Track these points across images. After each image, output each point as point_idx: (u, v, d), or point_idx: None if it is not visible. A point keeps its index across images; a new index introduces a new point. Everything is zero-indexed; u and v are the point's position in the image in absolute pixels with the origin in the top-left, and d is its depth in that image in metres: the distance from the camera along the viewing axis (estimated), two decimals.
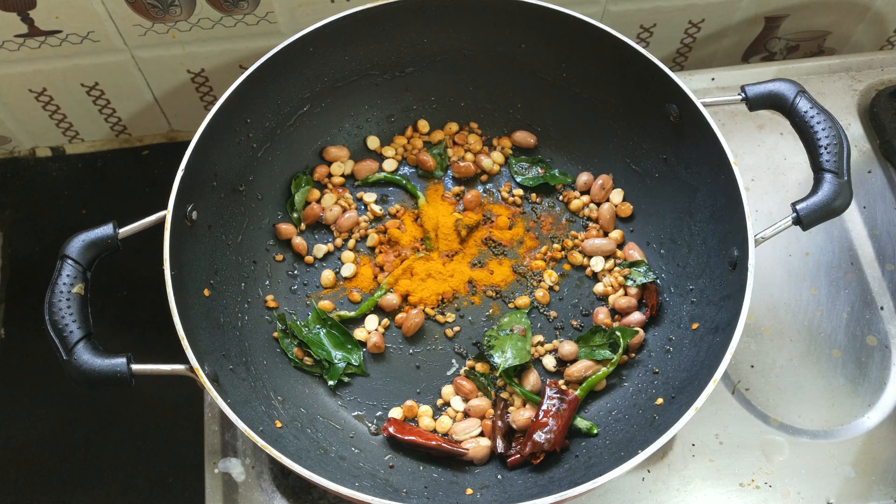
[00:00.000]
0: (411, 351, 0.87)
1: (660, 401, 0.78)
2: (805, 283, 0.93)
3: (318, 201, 0.94)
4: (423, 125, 0.98)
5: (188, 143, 0.78)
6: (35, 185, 1.09)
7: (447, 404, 0.84)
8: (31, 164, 1.10)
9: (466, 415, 0.84)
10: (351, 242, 0.92)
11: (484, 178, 0.96)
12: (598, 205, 0.94)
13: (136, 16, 0.91)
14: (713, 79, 1.03)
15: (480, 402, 0.83)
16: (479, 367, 0.85)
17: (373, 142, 0.97)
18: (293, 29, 0.89)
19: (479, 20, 0.90)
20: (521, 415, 0.81)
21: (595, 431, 0.80)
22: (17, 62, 0.94)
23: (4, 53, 0.93)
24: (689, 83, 0.86)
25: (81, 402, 0.98)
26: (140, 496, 0.94)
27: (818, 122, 0.77)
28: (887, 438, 0.85)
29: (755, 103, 0.81)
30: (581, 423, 0.81)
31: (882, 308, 0.91)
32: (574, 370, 0.84)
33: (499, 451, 0.79)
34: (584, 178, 0.94)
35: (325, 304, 0.89)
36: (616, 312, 0.88)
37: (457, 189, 0.95)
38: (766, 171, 0.99)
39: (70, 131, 1.08)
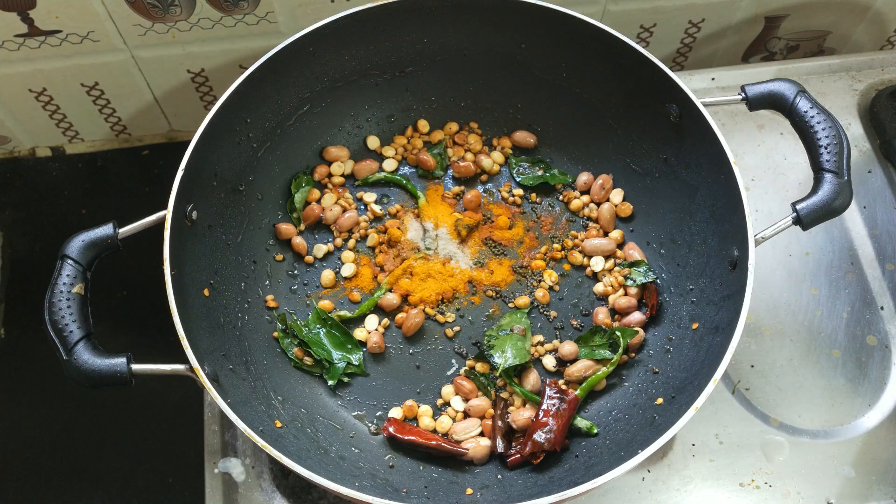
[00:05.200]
0: (411, 351, 0.87)
1: (660, 401, 0.78)
2: (805, 283, 0.93)
3: (318, 201, 0.94)
4: (423, 125, 0.98)
5: (188, 143, 0.78)
6: (35, 185, 1.09)
7: (447, 404, 0.84)
8: (31, 164, 1.10)
9: (466, 415, 0.83)
10: (351, 242, 0.92)
11: (484, 178, 0.96)
12: (598, 205, 0.94)
13: (136, 16, 0.91)
14: (713, 79, 1.03)
15: (480, 402, 0.83)
16: (479, 366, 0.85)
17: (373, 142, 0.97)
18: (293, 29, 0.89)
19: (479, 20, 0.90)
20: (521, 415, 0.81)
21: (595, 431, 0.80)
22: (17, 62, 0.94)
23: (4, 53, 0.93)
24: (689, 83, 0.86)
25: (81, 402, 0.98)
26: (140, 496, 0.94)
27: (818, 122, 0.77)
28: (887, 438, 0.85)
29: (755, 103, 0.81)
30: (581, 422, 0.81)
31: (882, 308, 0.91)
32: (574, 370, 0.84)
33: (499, 450, 0.79)
34: (584, 177, 0.94)
35: (325, 303, 0.89)
36: (616, 312, 0.88)
37: (457, 189, 0.95)
38: (766, 171, 0.99)
39: (70, 131, 1.08)
